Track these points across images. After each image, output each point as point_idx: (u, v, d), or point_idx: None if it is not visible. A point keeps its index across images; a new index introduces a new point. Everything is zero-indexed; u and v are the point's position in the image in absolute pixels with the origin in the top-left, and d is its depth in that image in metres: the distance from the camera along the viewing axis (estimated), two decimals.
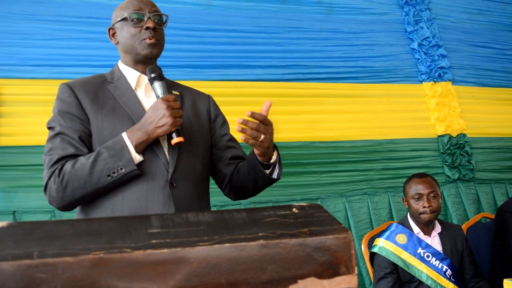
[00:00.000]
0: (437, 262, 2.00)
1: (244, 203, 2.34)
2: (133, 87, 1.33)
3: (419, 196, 2.08)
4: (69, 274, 0.43)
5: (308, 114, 2.78)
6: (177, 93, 1.38)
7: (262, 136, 1.17)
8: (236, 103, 2.59)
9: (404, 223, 2.13)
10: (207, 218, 0.52)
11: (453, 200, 2.89)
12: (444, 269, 1.99)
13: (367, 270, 2.25)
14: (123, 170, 1.16)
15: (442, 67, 3.15)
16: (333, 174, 2.73)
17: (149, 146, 1.22)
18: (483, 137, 3.13)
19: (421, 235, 2.08)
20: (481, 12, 3.50)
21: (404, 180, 2.24)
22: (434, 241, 2.09)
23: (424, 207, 2.05)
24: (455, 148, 2.99)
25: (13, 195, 2.15)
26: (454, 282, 1.99)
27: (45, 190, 1.21)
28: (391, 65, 3.10)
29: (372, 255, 2.12)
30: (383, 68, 3.06)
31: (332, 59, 2.95)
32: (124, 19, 1.32)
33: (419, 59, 3.15)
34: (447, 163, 2.96)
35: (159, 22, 1.35)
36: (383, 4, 3.24)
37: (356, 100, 2.93)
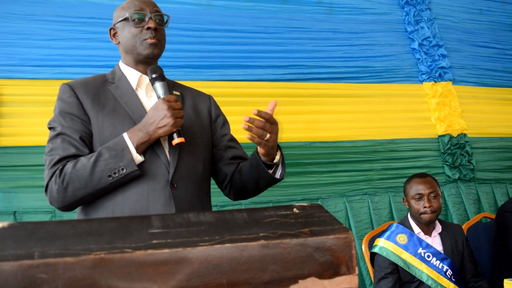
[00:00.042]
0: (438, 262, 2.00)
1: (244, 203, 2.34)
2: (134, 87, 1.33)
3: (420, 196, 2.08)
4: (70, 274, 0.43)
5: (309, 114, 2.78)
6: (178, 93, 1.38)
7: (268, 135, 1.17)
8: (236, 103, 2.59)
9: (404, 223, 2.13)
10: (208, 218, 0.52)
11: (453, 200, 2.89)
12: (444, 269, 1.99)
13: (368, 270, 2.25)
14: (124, 171, 1.16)
15: (442, 67, 3.15)
16: (334, 174, 2.73)
17: (150, 147, 1.22)
18: (483, 137, 3.13)
19: (422, 235, 2.08)
20: (481, 12, 3.50)
21: (404, 180, 2.24)
22: (435, 241, 2.09)
23: (425, 207, 2.05)
24: (456, 148, 2.99)
25: (14, 196, 2.15)
26: (454, 282, 1.99)
27: (46, 190, 1.21)
28: (392, 65, 3.09)
29: (373, 255, 2.12)
30: (384, 68, 3.06)
31: (332, 59, 2.95)
32: (125, 19, 1.32)
33: (419, 59, 3.15)
34: (447, 163, 2.96)
35: (160, 22, 1.35)
36: (383, 4, 3.24)
37: (356, 100, 2.92)
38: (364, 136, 2.85)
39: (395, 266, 2.01)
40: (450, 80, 3.15)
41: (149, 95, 1.34)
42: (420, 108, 3.07)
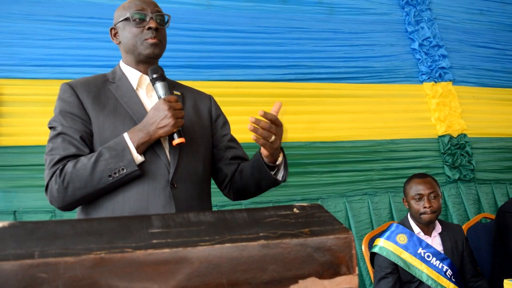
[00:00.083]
0: (438, 262, 2.00)
1: (244, 203, 2.34)
2: (135, 87, 1.33)
3: (420, 197, 2.08)
4: (70, 274, 0.43)
5: (309, 114, 2.78)
6: (178, 93, 1.38)
7: (273, 137, 1.16)
8: (236, 103, 2.59)
9: (404, 223, 2.13)
10: (208, 218, 0.52)
11: (453, 200, 2.89)
12: (444, 269, 1.99)
13: (368, 270, 2.26)
14: (125, 171, 1.16)
15: (442, 67, 3.15)
16: (334, 174, 2.73)
17: (150, 147, 1.22)
18: (483, 137, 3.13)
19: (422, 235, 2.08)
20: (482, 12, 3.50)
21: (404, 180, 2.24)
22: (435, 241, 2.09)
23: (425, 207, 2.05)
24: (456, 148, 2.99)
25: (14, 195, 2.15)
26: (454, 282, 1.99)
27: (46, 190, 1.21)
28: (392, 65, 3.10)
29: (373, 255, 2.12)
30: (384, 68, 3.06)
31: (332, 59, 2.95)
32: (126, 19, 1.32)
33: (419, 59, 3.15)
34: (447, 163, 2.96)
35: (161, 22, 1.35)
36: (383, 5, 3.24)
37: (356, 100, 2.93)
38: (364, 136, 2.85)
39: (395, 266, 2.01)
40: (450, 81, 3.15)
41: (150, 95, 1.34)
42: (420, 108, 3.07)
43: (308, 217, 0.54)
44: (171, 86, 1.35)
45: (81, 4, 2.51)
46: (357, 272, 0.51)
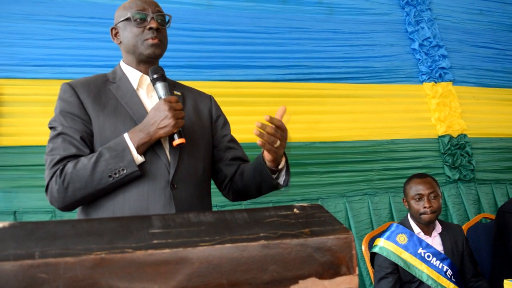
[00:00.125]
0: (438, 262, 2.00)
1: (245, 204, 2.34)
2: (135, 88, 1.33)
3: (420, 197, 2.08)
4: (70, 274, 0.43)
5: (309, 114, 2.78)
6: (179, 93, 1.38)
7: (278, 142, 1.16)
8: (237, 104, 2.59)
9: (404, 223, 2.13)
10: (209, 218, 0.52)
11: (453, 200, 2.89)
12: (444, 269, 1.99)
13: (368, 270, 2.26)
14: (125, 171, 1.16)
15: (442, 68, 3.15)
16: (334, 174, 2.73)
17: (150, 147, 1.22)
18: (483, 138, 3.13)
19: (422, 235, 2.08)
20: (482, 13, 3.50)
21: (404, 180, 2.24)
22: (435, 241, 2.10)
23: (425, 207, 2.05)
24: (456, 149, 2.99)
25: (14, 195, 2.15)
26: (454, 282, 1.99)
27: (46, 190, 1.21)
28: (392, 65, 3.10)
29: (373, 256, 2.12)
30: (384, 68, 3.06)
31: (332, 60, 2.95)
32: (127, 19, 1.31)
33: (419, 59, 3.15)
34: (447, 164, 2.96)
35: (162, 22, 1.35)
36: (384, 5, 3.24)
37: (356, 100, 2.93)
38: (364, 137, 2.85)
39: (395, 266, 2.01)
40: (450, 81, 3.15)
41: (150, 95, 1.34)
42: (420, 108, 3.07)
43: (308, 218, 0.54)
44: (171, 86, 1.35)
45: (81, 4, 2.51)
46: (357, 272, 0.52)
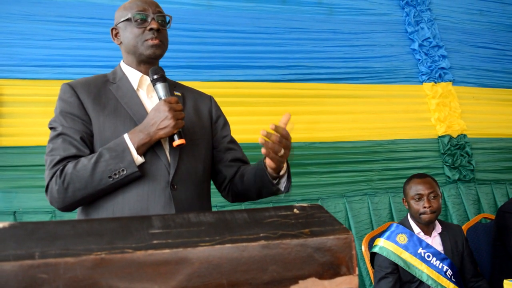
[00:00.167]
0: (438, 262, 2.00)
1: (244, 204, 2.34)
2: (135, 88, 1.33)
3: (420, 197, 2.08)
4: (70, 274, 0.43)
5: (309, 114, 2.78)
6: (179, 94, 1.38)
7: (282, 151, 1.16)
8: (236, 104, 2.59)
9: (404, 224, 2.13)
10: (209, 218, 0.52)
11: (453, 200, 2.89)
12: (444, 269, 2.00)
13: (367, 270, 2.26)
14: (125, 172, 1.16)
15: (442, 68, 3.15)
16: (334, 174, 2.73)
17: (150, 148, 1.22)
18: (483, 138, 3.13)
19: (422, 235, 2.08)
20: (481, 13, 3.50)
21: (404, 180, 2.24)
22: (435, 241, 2.10)
23: (425, 207, 2.05)
24: (456, 149, 2.99)
25: (14, 196, 2.15)
26: (454, 282, 1.99)
27: (46, 190, 1.21)
28: (392, 65, 3.10)
29: (373, 256, 2.12)
30: (384, 68, 3.07)
31: (332, 60, 2.95)
32: (128, 19, 1.31)
33: (419, 59, 3.15)
34: (447, 164, 2.96)
35: (163, 23, 1.35)
36: (383, 5, 3.24)
37: (356, 100, 2.93)
38: (364, 137, 2.85)
39: (395, 266, 2.01)
40: (450, 81, 3.15)
41: (150, 95, 1.34)
42: (420, 108, 3.07)
43: (308, 218, 0.54)
44: (171, 86, 1.35)
45: (81, 5, 2.51)
46: (357, 272, 0.52)
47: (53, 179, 1.18)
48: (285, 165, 1.26)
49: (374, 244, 2.12)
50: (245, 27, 2.81)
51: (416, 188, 2.10)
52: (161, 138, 1.22)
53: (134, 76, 1.34)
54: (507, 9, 3.60)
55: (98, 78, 1.35)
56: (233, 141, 1.47)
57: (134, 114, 1.27)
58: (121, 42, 1.36)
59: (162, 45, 1.33)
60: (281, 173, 1.25)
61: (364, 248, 2.24)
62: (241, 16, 2.83)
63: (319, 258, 0.50)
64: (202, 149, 1.35)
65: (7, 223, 0.47)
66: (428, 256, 2.01)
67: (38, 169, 2.13)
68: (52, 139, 1.24)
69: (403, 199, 2.20)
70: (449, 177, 2.94)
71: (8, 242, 0.44)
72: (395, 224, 2.12)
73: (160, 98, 1.25)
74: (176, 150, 1.25)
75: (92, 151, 1.23)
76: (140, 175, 1.18)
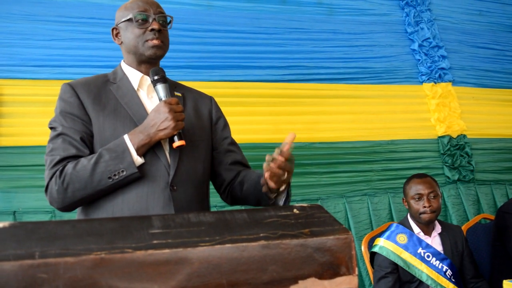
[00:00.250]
0: (437, 262, 2.00)
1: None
2: (136, 88, 1.33)
3: (419, 196, 2.08)
4: (70, 274, 0.43)
5: (308, 115, 2.78)
6: (179, 94, 1.38)
7: (286, 175, 1.15)
8: (236, 104, 2.59)
9: (404, 224, 2.13)
10: (209, 218, 0.52)
11: (453, 201, 2.89)
12: (444, 269, 2.00)
13: (367, 270, 2.26)
14: (124, 173, 1.16)
15: (442, 68, 3.15)
16: (333, 175, 2.73)
17: (150, 149, 1.22)
18: (483, 138, 3.13)
19: (422, 235, 2.08)
20: (481, 13, 3.50)
21: (404, 181, 2.24)
22: (435, 241, 2.10)
23: (425, 207, 2.05)
24: (455, 149, 2.99)
25: (13, 196, 2.15)
26: (454, 283, 1.99)
27: (46, 190, 1.21)
28: (392, 66, 3.10)
29: (372, 256, 2.12)
30: (384, 69, 3.07)
31: (332, 60, 2.95)
32: (129, 19, 1.31)
33: (419, 60, 3.15)
34: (447, 164, 2.96)
35: (164, 23, 1.35)
36: (383, 5, 3.24)
37: (356, 101, 2.93)
38: (363, 137, 2.85)
39: (395, 265, 2.01)
40: (449, 81, 3.15)
41: (150, 96, 1.34)
42: (419, 109, 3.07)
43: (308, 218, 0.54)
44: (172, 87, 1.35)
45: (81, 5, 2.51)
46: (356, 272, 0.52)
47: (53, 179, 1.18)
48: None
49: (374, 244, 2.12)
50: (245, 27, 2.81)
51: (416, 188, 2.10)
52: (161, 139, 1.22)
53: (134, 76, 1.34)
54: (507, 9, 3.60)
55: (99, 78, 1.35)
56: (233, 143, 1.47)
57: (134, 115, 1.27)
58: (121, 42, 1.36)
59: (163, 46, 1.33)
60: (281, 189, 1.24)
61: (363, 248, 2.24)
62: (241, 16, 2.83)
63: (319, 258, 0.50)
64: (202, 150, 1.35)
65: (7, 223, 0.47)
66: (428, 256, 2.01)
67: (38, 169, 2.13)
68: (52, 139, 1.24)
69: (403, 199, 2.21)
70: (448, 178, 2.94)
71: (8, 242, 0.44)
72: (395, 224, 2.12)
73: (160, 99, 1.25)
74: (176, 151, 1.25)
75: (92, 151, 1.23)
76: (139, 176, 1.18)
